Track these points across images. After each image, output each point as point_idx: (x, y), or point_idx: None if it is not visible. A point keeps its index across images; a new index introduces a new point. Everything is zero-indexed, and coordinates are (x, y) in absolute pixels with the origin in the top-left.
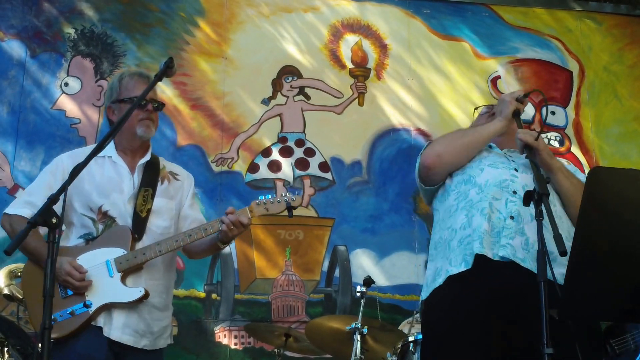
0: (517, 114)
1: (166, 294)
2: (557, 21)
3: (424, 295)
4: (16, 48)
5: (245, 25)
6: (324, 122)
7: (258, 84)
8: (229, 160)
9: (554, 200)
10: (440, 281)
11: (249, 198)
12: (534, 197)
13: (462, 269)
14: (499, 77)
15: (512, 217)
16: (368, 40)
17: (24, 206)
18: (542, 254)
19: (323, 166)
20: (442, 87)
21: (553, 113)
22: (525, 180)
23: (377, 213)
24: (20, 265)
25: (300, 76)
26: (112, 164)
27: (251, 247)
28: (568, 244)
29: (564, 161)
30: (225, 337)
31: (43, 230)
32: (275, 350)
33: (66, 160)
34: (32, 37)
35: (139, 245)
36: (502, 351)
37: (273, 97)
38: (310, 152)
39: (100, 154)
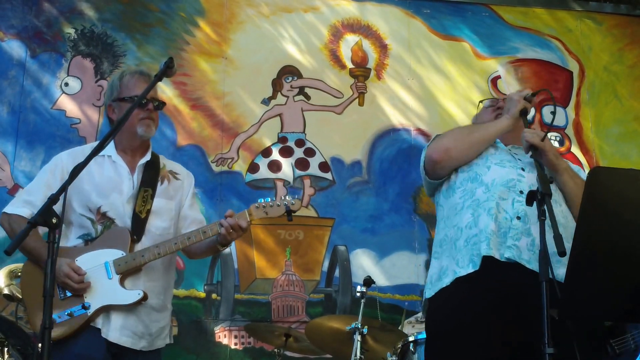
0: (524, 112)
1: (164, 294)
2: (557, 21)
3: (429, 293)
4: (16, 48)
5: (245, 25)
6: (324, 122)
7: (258, 84)
8: (229, 160)
9: (560, 200)
10: (447, 281)
11: (249, 198)
12: (537, 197)
13: (470, 270)
14: (499, 77)
15: (518, 218)
16: (368, 40)
17: (23, 205)
18: (544, 254)
19: (323, 166)
20: (442, 87)
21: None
22: (532, 180)
23: (377, 213)
24: (20, 265)
25: (300, 76)
26: (112, 163)
27: (251, 247)
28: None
29: (568, 162)
30: (225, 337)
31: (42, 229)
32: (275, 350)
33: (65, 159)
34: (32, 37)
35: (138, 246)
36: (507, 352)
37: (273, 97)
38: (310, 152)
39: (100, 153)
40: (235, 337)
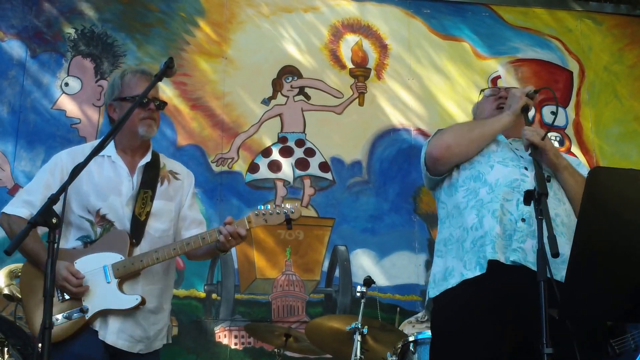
0: (526, 109)
1: (162, 296)
2: (557, 21)
3: (433, 292)
4: (16, 48)
5: (245, 25)
6: (324, 122)
7: (258, 84)
8: (229, 160)
9: (563, 198)
10: (453, 282)
11: (249, 198)
12: (534, 197)
13: (477, 273)
14: (499, 77)
15: (523, 220)
16: (368, 40)
17: (22, 206)
18: (542, 254)
19: (323, 166)
20: (442, 87)
21: (553, 113)
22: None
23: (377, 213)
24: (20, 265)
25: (300, 76)
26: (112, 163)
27: (251, 247)
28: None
29: (567, 156)
30: (225, 337)
31: (42, 229)
32: (276, 350)
33: (65, 159)
34: (33, 37)
35: (137, 249)
36: (511, 352)
37: (273, 97)
38: (310, 152)
39: (100, 153)
40: (235, 337)
